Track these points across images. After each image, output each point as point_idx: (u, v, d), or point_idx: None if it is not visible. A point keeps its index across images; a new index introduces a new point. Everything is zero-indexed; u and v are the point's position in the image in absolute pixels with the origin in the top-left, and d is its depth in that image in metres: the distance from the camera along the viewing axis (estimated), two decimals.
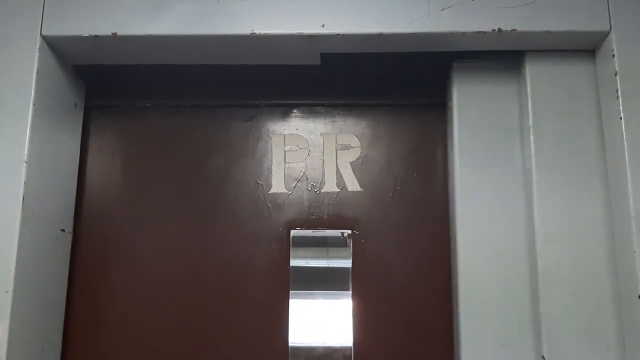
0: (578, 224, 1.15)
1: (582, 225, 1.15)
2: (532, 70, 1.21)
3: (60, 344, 1.25)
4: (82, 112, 1.34)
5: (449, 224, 1.28)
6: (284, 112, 1.39)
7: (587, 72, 1.22)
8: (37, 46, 1.15)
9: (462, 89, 1.26)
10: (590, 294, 1.13)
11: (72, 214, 1.29)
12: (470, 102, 1.26)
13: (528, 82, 1.21)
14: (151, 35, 1.16)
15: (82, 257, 1.31)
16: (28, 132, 1.12)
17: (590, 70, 1.22)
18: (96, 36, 1.16)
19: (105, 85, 1.37)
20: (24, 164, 1.11)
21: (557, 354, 1.11)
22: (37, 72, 1.15)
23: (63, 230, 1.25)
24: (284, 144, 1.36)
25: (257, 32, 1.16)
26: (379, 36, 1.15)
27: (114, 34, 1.16)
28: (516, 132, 1.24)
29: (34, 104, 1.13)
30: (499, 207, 1.21)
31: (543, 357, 1.11)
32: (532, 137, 1.18)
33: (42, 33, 1.16)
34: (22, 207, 1.09)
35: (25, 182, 1.10)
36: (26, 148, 1.12)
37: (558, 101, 1.20)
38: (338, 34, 1.15)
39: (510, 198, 1.22)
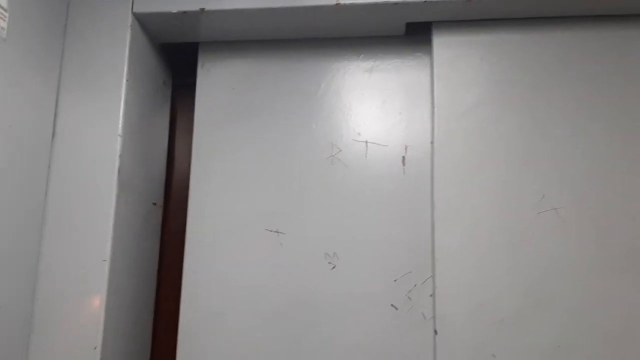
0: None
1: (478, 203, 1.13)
2: None
3: (152, 316, 1.28)
4: (170, 90, 1.37)
5: None
6: None
7: None
8: (129, 23, 1.18)
9: None
10: (484, 269, 1.10)
11: (163, 188, 1.32)
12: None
13: None
14: (238, 9, 1.17)
15: (171, 230, 1.33)
16: (122, 107, 1.15)
17: None
18: (184, 12, 1.18)
19: (191, 63, 1.39)
20: (119, 138, 1.14)
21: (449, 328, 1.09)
22: (129, 49, 1.18)
23: (155, 203, 1.28)
24: None
25: (342, 2, 1.15)
26: (468, 3, 1.12)
27: (202, 9, 1.17)
28: None
29: (126, 80, 1.16)
30: None
31: (435, 332, 1.09)
32: None
33: (134, 10, 1.19)
34: (117, 180, 1.13)
35: (120, 155, 1.14)
36: (120, 122, 1.15)
37: None
38: (426, 1, 1.13)
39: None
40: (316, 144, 1.25)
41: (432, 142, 1.17)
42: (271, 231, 1.22)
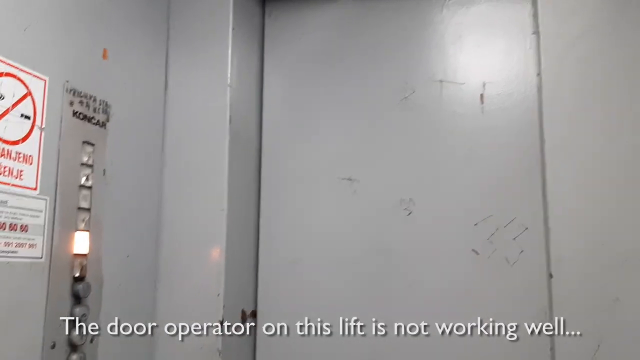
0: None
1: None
2: None
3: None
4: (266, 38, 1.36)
5: None
6: None
7: None
8: None
9: None
10: (603, 205, 1.02)
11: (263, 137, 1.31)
12: None
13: None
14: None
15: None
16: (229, 56, 1.15)
17: None
18: None
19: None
20: (228, 88, 1.14)
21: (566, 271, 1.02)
22: None
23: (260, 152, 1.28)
24: None
25: None
26: None
27: None
28: None
29: (233, 29, 1.16)
30: None
31: (550, 275, 1.02)
32: None
33: None
34: (230, 129, 1.13)
35: (230, 105, 1.14)
36: (229, 72, 1.14)
37: None
38: None
39: None
40: (388, 87, 1.20)
41: (538, 74, 1.11)
42: (344, 179, 1.19)
